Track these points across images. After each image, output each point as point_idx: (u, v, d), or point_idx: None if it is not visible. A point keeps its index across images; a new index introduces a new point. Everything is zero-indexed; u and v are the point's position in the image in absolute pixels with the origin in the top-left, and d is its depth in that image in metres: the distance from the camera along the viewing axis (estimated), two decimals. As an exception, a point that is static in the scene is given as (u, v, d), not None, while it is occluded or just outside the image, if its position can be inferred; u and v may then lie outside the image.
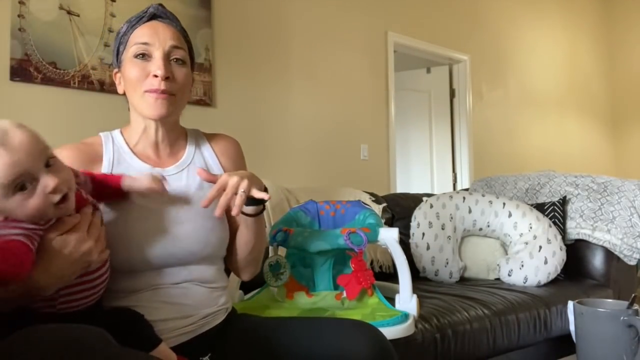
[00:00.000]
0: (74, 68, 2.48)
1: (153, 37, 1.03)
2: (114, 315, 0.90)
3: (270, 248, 1.54)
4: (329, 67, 3.56)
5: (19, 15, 2.33)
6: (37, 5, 2.38)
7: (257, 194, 0.97)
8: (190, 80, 1.08)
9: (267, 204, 1.09)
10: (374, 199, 2.33)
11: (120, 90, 1.09)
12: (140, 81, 1.02)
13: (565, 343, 1.78)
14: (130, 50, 1.04)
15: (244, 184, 0.95)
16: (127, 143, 1.09)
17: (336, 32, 3.62)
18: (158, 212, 1.02)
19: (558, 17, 5.49)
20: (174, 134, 1.13)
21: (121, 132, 1.11)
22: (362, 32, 3.78)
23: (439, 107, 4.65)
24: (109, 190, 0.97)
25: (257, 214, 1.06)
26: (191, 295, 1.02)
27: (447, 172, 4.59)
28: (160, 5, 1.09)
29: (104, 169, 1.04)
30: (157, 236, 0.99)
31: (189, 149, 1.14)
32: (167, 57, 1.03)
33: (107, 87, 2.56)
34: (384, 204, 2.32)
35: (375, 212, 1.74)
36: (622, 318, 1.33)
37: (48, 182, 0.77)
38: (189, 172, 1.10)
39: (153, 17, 1.06)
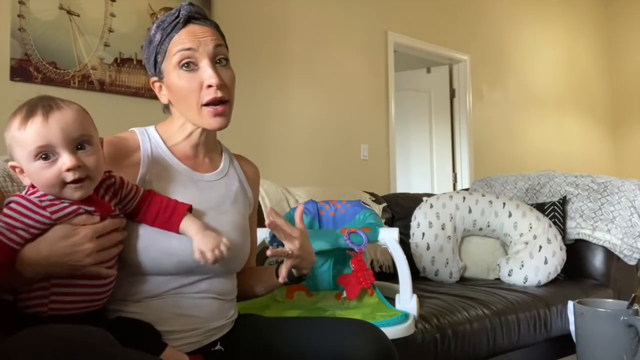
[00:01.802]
0: (74, 68, 2.48)
1: (194, 42, 0.99)
2: (118, 325, 0.89)
3: (270, 248, 1.54)
4: (329, 67, 3.56)
5: (19, 15, 2.33)
6: (37, 5, 2.38)
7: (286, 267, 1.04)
8: (235, 79, 1.06)
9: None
10: (374, 199, 2.33)
11: (164, 100, 1.05)
12: (194, 93, 0.99)
13: (565, 343, 1.78)
14: (173, 59, 0.99)
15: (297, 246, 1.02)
16: (164, 142, 1.06)
17: (336, 32, 3.62)
18: (197, 217, 0.99)
19: (558, 17, 5.49)
20: (212, 143, 1.12)
21: (157, 130, 1.08)
22: (362, 32, 3.78)
23: (439, 107, 4.65)
24: (152, 215, 0.94)
25: (285, 284, 1.11)
26: (204, 307, 1.00)
27: (447, 172, 4.59)
28: (191, 4, 1.04)
29: (142, 165, 1.01)
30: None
31: (225, 161, 1.14)
32: (213, 62, 1.00)
33: (107, 87, 2.56)
34: (384, 204, 2.32)
35: (375, 212, 1.74)
36: (622, 318, 1.33)
37: (67, 160, 0.81)
38: (226, 182, 1.10)
39: (187, 20, 1.02)
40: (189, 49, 0.99)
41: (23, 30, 2.34)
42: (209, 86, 0.98)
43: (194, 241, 0.92)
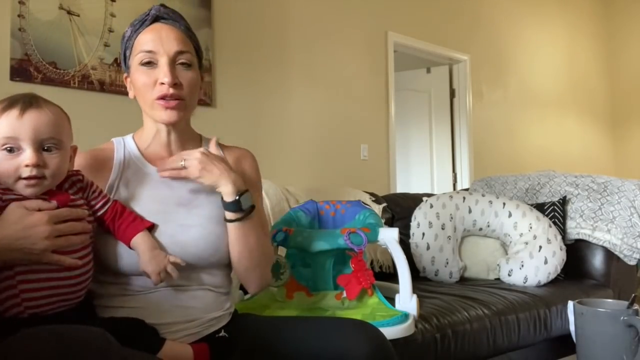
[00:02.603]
0: (74, 68, 2.48)
1: (157, 44, 1.02)
2: (111, 325, 0.89)
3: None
4: (329, 67, 3.56)
5: (19, 15, 2.33)
6: (37, 5, 2.38)
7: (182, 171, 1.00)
8: (197, 82, 1.08)
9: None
10: (374, 199, 2.33)
11: (131, 95, 1.10)
12: (149, 89, 1.03)
13: (565, 343, 1.77)
14: (136, 57, 1.04)
15: (194, 165, 0.98)
16: (138, 147, 1.10)
17: (336, 32, 3.62)
18: (166, 215, 1.01)
19: (558, 17, 5.49)
20: (186, 136, 1.13)
21: (133, 137, 1.12)
22: (362, 32, 3.78)
23: (439, 107, 4.65)
24: (107, 224, 0.96)
25: (234, 220, 1.02)
26: (199, 298, 1.02)
27: (447, 172, 4.59)
28: (162, 5, 1.08)
29: (113, 172, 1.04)
30: (165, 241, 0.99)
31: None
32: (172, 63, 1.03)
33: (107, 87, 2.56)
34: (384, 204, 2.32)
35: (375, 212, 1.74)
36: (622, 318, 1.33)
37: (26, 157, 0.83)
38: None
39: (155, 19, 1.06)
40: (149, 51, 1.03)
41: (23, 30, 2.34)
42: (162, 83, 1.02)
43: (140, 262, 0.94)
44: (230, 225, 1.03)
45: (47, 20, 2.41)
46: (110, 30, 2.60)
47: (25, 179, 0.84)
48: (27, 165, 0.83)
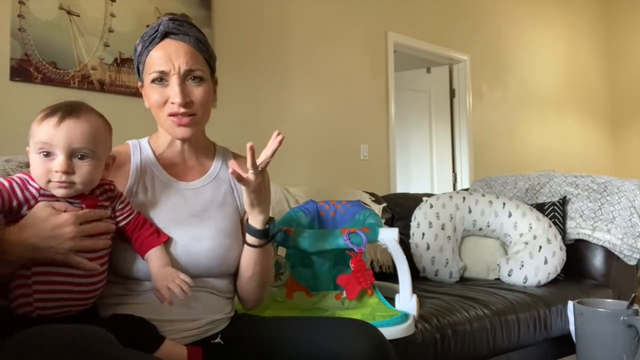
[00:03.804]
0: (74, 68, 2.48)
1: (167, 63, 1.03)
2: (113, 323, 0.90)
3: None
4: (329, 67, 3.56)
5: (19, 15, 2.34)
6: (37, 5, 2.38)
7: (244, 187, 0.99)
8: (209, 95, 1.09)
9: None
10: (374, 199, 2.33)
11: (146, 105, 1.11)
12: (161, 105, 1.05)
13: (565, 343, 1.78)
14: (149, 76, 1.05)
15: (254, 185, 0.99)
16: (154, 152, 1.11)
17: (336, 32, 3.62)
18: (180, 225, 1.03)
19: (558, 17, 5.49)
20: (201, 144, 1.15)
21: (149, 141, 1.14)
22: (362, 32, 3.78)
23: (439, 107, 4.65)
24: (127, 233, 0.99)
25: (258, 246, 1.07)
26: (202, 299, 1.03)
27: (447, 172, 4.59)
28: (171, 20, 1.06)
29: (131, 176, 1.06)
30: (177, 251, 1.01)
31: (216, 164, 1.16)
32: (183, 80, 1.04)
33: (107, 87, 2.56)
34: (384, 204, 2.32)
35: (375, 212, 1.74)
36: (622, 318, 1.33)
37: (58, 164, 0.87)
38: (213, 187, 1.12)
39: (165, 35, 1.05)
40: (161, 71, 1.04)
41: (23, 30, 2.34)
42: (173, 103, 1.04)
43: (152, 278, 0.96)
44: (250, 249, 1.07)
45: (47, 20, 2.41)
46: (110, 30, 2.60)
47: (56, 182, 0.88)
48: (56, 171, 0.87)
